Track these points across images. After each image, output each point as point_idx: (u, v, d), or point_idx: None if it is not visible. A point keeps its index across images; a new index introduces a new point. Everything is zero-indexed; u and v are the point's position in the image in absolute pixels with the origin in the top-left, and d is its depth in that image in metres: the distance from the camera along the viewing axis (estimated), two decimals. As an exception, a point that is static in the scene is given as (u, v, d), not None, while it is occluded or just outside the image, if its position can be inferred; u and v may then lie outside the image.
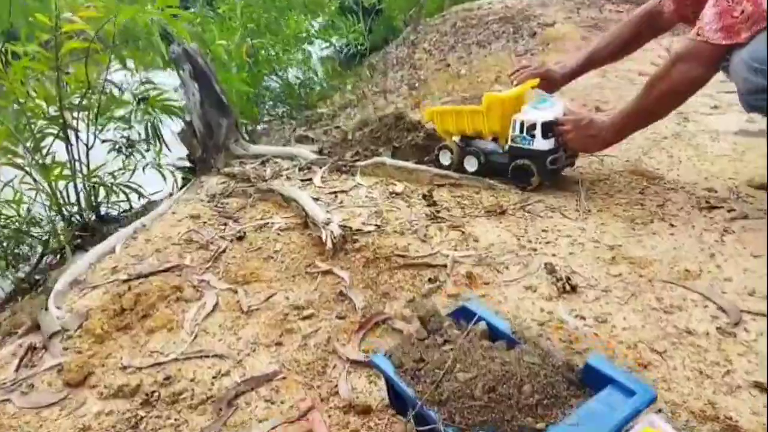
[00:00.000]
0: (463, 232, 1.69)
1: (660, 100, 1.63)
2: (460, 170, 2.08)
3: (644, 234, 1.60)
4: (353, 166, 2.23)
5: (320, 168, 2.29)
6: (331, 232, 1.67)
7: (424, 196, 1.90)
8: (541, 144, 1.83)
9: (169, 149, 2.95)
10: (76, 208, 2.89)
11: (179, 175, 2.67)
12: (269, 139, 4.69)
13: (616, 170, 2.04)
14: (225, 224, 1.97)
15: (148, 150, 2.89)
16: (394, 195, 1.98)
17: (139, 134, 2.95)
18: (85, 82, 2.81)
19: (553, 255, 1.53)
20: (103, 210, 2.91)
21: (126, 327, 1.49)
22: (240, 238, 1.83)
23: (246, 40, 4.73)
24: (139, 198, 3.14)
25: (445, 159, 2.11)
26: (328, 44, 7.31)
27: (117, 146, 3.16)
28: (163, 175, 3.06)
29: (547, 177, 1.89)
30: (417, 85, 4.98)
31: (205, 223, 2.00)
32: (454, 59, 6.16)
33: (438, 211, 1.81)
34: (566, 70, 2.09)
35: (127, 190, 3.17)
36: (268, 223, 1.92)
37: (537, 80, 1.97)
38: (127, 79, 3.68)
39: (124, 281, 1.67)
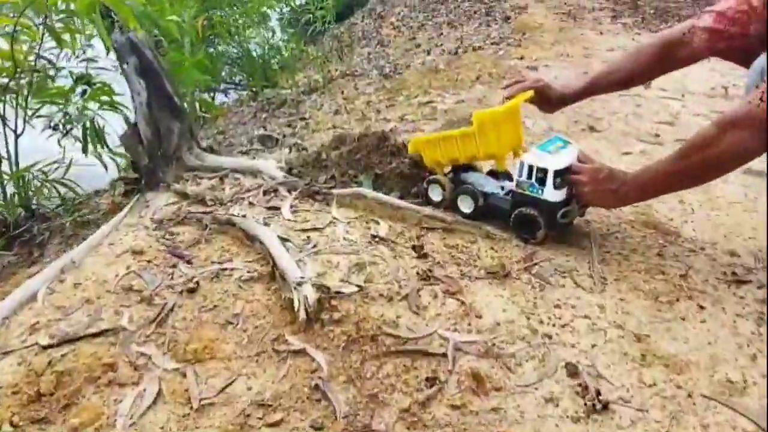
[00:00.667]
0: (462, 302, 1.43)
1: (702, 167, 1.40)
2: (451, 208, 1.81)
3: (672, 319, 1.38)
4: (328, 194, 1.92)
5: (289, 193, 1.97)
6: (305, 297, 1.38)
7: (414, 247, 1.62)
8: (551, 194, 1.58)
9: (112, 153, 2.55)
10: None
11: (119, 190, 2.29)
12: (227, 122, 4.29)
13: (626, 219, 1.81)
14: (174, 266, 1.64)
15: (85, 153, 2.49)
16: (377, 240, 1.69)
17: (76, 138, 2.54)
18: (12, 64, 2.39)
19: (573, 346, 1.29)
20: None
21: (43, 420, 1.18)
22: (192, 291, 1.52)
23: (204, 12, 4.27)
24: (73, 201, 2.75)
25: (436, 195, 1.84)
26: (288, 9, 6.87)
27: (52, 124, 2.73)
28: (104, 165, 2.66)
29: (555, 230, 1.64)
30: (388, 70, 4.66)
31: (149, 262, 1.67)
32: (424, 39, 5.85)
33: (431, 269, 1.54)
34: (566, 91, 1.82)
35: (61, 187, 2.79)
36: (227, 269, 1.61)
37: (531, 93, 1.71)
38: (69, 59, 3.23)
39: (45, 347, 1.34)
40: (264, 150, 2.67)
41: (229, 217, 1.79)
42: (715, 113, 2.87)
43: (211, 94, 4.85)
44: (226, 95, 5.61)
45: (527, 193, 1.62)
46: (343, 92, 4.16)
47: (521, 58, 3.97)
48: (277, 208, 1.89)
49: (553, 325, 1.35)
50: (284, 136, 3.08)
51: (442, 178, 1.82)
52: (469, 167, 1.92)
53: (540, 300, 1.44)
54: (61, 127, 2.74)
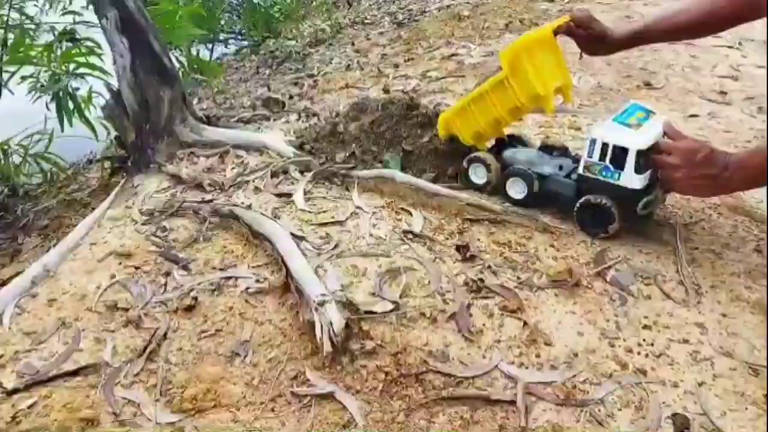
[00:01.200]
0: (525, 323, 1.14)
1: None
2: (496, 193, 1.50)
3: (794, 342, 1.09)
4: (348, 176, 1.61)
5: (302, 175, 1.66)
6: (330, 323, 1.10)
7: (458, 248, 1.32)
8: (631, 180, 1.26)
9: (95, 134, 2.23)
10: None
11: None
12: (227, 79, 3.94)
13: (710, 203, 1.50)
14: (167, 274, 1.36)
15: (61, 128, 2.17)
16: (411, 236, 1.40)
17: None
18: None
19: (675, 386, 1.01)
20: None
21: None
22: (189, 308, 1.24)
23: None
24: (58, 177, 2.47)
25: (478, 176, 1.53)
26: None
27: (39, 84, 2.39)
28: (94, 131, 2.35)
29: (632, 222, 1.34)
30: (402, 17, 4.24)
31: (137, 268, 1.38)
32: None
33: (481, 277, 1.25)
34: (613, 33, 1.45)
35: (44, 162, 2.49)
36: (231, 277, 1.33)
37: (567, 18, 1.39)
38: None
39: (10, 393, 1.08)
40: (269, 116, 2.34)
41: (231, 208, 1.49)
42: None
43: (209, 46, 4.45)
44: (226, 46, 5.19)
45: (599, 177, 1.30)
46: (353, 43, 3.77)
47: (552, 1, 3.54)
48: (289, 195, 1.58)
49: (646, 355, 1.07)
50: (290, 97, 2.74)
51: (486, 156, 1.51)
52: (517, 140, 1.61)
53: (623, 318, 1.15)
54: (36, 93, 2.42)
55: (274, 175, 1.68)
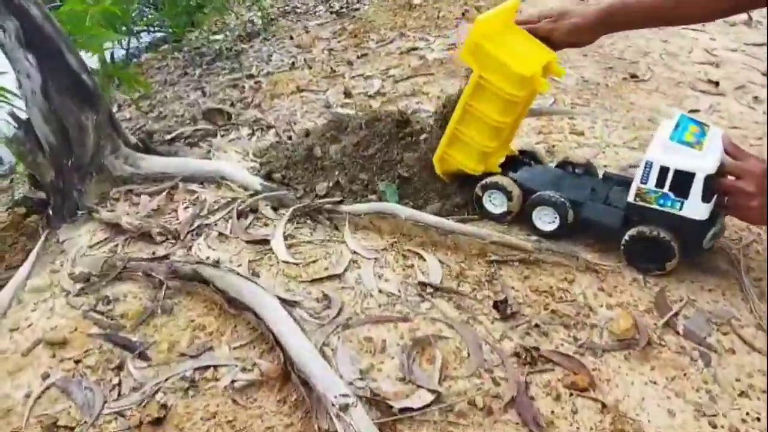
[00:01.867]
0: (603, 405, 0.91)
1: None
2: (513, 221, 1.27)
3: None
4: (335, 212, 1.32)
5: (275, 213, 1.35)
6: (363, 438, 0.82)
7: (495, 305, 1.07)
8: (698, 210, 1.05)
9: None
10: None
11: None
12: (150, 82, 3.48)
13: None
14: (120, 367, 1.03)
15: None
16: (430, 289, 1.13)
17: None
18: None
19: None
20: None
21: None
22: (158, 421, 0.93)
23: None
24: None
25: (496, 205, 1.28)
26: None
27: None
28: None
29: (690, 256, 1.13)
30: (339, 6, 3.92)
31: (78, 363, 1.05)
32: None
33: (535, 345, 1.00)
34: (589, 21, 1.17)
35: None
36: (208, 366, 1.02)
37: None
38: None
39: None
40: (214, 131, 2.00)
41: (194, 267, 1.17)
42: (749, 46, 2.41)
43: (124, 45, 3.94)
44: (138, 41, 4.66)
45: (654, 206, 1.09)
46: (292, 37, 3.42)
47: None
48: (265, 242, 1.27)
49: (759, 438, 0.87)
50: (232, 104, 2.39)
51: (504, 181, 1.26)
52: (529, 156, 1.37)
53: (713, 384, 0.94)
54: None
55: (240, 215, 1.36)
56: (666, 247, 1.09)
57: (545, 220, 1.23)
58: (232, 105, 2.40)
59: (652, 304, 1.09)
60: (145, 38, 4.67)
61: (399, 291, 1.13)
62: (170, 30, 4.32)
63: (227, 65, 3.27)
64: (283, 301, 1.09)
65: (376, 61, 2.55)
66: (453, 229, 1.22)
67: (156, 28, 4.68)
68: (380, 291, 1.13)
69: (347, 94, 2.15)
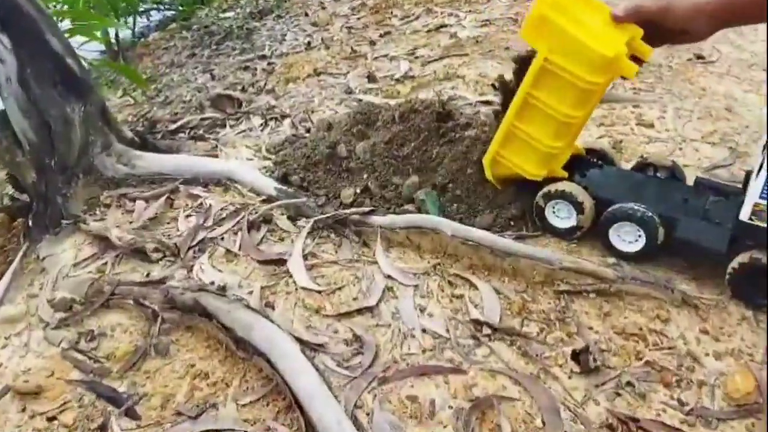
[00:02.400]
0: (729, 504, 0.68)
1: None
2: (583, 238, 1.04)
3: None
4: (363, 224, 1.09)
5: (293, 225, 1.13)
6: None
7: (574, 355, 0.84)
8: (836, 233, 0.82)
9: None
10: None
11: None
12: (156, 63, 3.26)
13: None
14: (101, 429, 0.82)
15: None
16: (485, 329, 0.91)
17: None
18: None
19: None
20: None
21: None
22: None
23: None
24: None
25: (561, 218, 1.05)
26: None
27: None
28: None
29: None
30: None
31: (52, 421, 0.84)
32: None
33: (632, 415, 0.77)
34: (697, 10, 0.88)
35: None
36: (210, 432, 0.81)
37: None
38: None
39: None
40: (224, 120, 1.77)
41: (196, 296, 0.96)
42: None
43: (127, 21, 3.69)
44: (148, 19, 4.42)
45: None
46: (307, 14, 3.17)
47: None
48: (281, 262, 1.05)
49: None
50: (243, 89, 2.17)
51: (573, 189, 1.02)
52: (597, 155, 1.13)
53: None
54: None
55: (252, 227, 1.14)
56: (790, 281, 0.86)
57: (626, 238, 0.99)
58: (243, 90, 2.17)
59: (773, 352, 0.86)
60: (156, 17, 4.44)
61: (447, 331, 0.91)
62: (179, 8, 4.09)
63: (238, 45, 3.03)
64: (303, 343, 0.87)
65: (401, 40, 2.30)
66: (511, 249, 0.98)
67: (165, 7, 4.43)
68: (424, 331, 0.91)
69: (371, 77, 1.91)
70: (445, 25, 2.33)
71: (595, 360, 0.83)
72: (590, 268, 0.95)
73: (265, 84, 2.16)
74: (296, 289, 1.00)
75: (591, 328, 0.90)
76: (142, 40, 3.87)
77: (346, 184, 1.16)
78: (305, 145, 1.28)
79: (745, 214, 0.87)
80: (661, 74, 1.72)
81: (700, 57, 1.83)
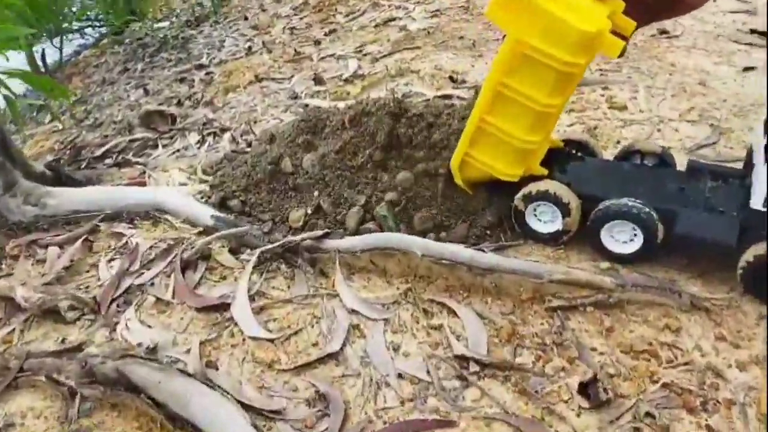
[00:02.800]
0: None
1: None
2: (571, 242, 0.90)
3: None
4: (318, 251, 0.94)
5: (236, 259, 0.96)
6: None
7: (582, 389, 0.70)
8: None
9: None
10: None
11: None
12: (87, 83, 3.02)
13: None
14: None
15: None
16: (472, 366, 0.76)
17: None
18: None
19: None
20: None
21: None
22: None
23: None
24: None
25: (545, 221, 0.91)
26: None
27: None
28: None
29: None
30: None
31: None
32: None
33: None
34: None
35: None
36: None
37: None
38: None
39: None
40: (154, 140, 1.59)
41: (118, 366, 0.78)
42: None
43: (57, 43, 3.45)
44: (83, 37, 4.15)
45: None
46: (246, 17, 2.99)
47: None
48: (223, 307, 0.88)
49: None
50: (179, 102, 1.98)
51: (555, 187, 0.89)
52: (578, 147, 1.00)
53: None
54: None
55: (187, 266, 0.96)
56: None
57: (620, 239, 0.86)
58: (179, 103, 1.99)
59: (806, 361, 0.74)
60: (91, 34, 4.18)
61: (428, 373, 0.76)
62: (108, 21, 3.84)
63: (173, 56, 2.82)
64: (254, 411, 0.71)
65: (347, 38, 2.15)
66: (492, 265, 0.84)
67: (99, 24, 4.16)
68: (400, 376, 0.76)
69: (317, 80, 1.75)
70: (394, 19, 2.19)
71: (605, 390, 0.69)
72: (584, 278, 0.82)
73: (203, 95, 1.98)
74: (243, 339, 0.83)
75: (594, 349, 0.77)
76: (73, 59, 3.63)
77: (295, 204, 1.00)
78: (245, 162, 1.11)
79: (758, 203, 0.75)
80: (630, 53, 1.61)
81: (663, 32, 1.73)
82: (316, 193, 1.00)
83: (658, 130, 1.23)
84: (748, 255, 0.78)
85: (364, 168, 0.99)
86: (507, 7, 0.77)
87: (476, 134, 0.88)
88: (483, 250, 0.88)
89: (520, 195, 0.91)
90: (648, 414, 0.68)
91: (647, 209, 0.83)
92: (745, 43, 1.63)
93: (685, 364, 0.74)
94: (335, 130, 1.03)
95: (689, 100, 1.34)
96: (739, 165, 0.94)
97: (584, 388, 0.70)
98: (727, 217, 0.81)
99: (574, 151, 0.99)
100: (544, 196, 0.89)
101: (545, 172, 0.91)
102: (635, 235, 0.85)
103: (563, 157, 0.96)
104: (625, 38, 0.79)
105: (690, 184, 0.88)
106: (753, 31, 1.69)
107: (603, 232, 0.87)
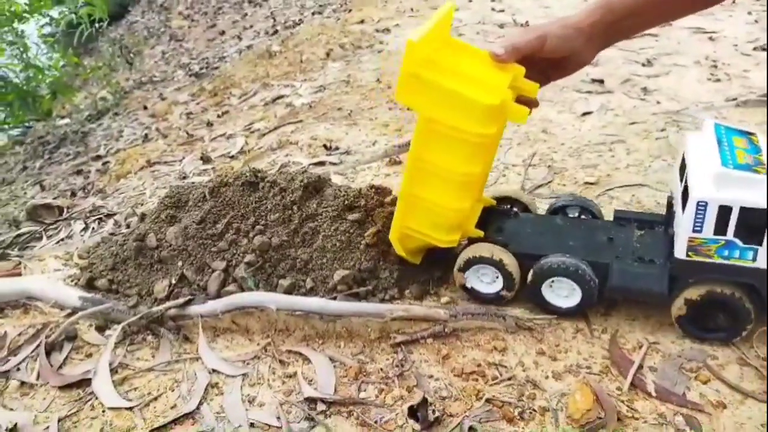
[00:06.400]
0: None
1: None
2: (516, 298, 0.96)
3: None
4: (182, 318, 0.98)
5: (102, 335, 0.99)
6: None
7: (411, 412, 0.77)
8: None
9: None
10: None
11: None
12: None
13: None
14: None
15: None
16: (319, 405, 0.81)
17: None
18: None
19: None
20: None
21: None
22: None
23: None
24: None
25: (487, 282, 0.96)
26: (47, 20, 5.31)
27: None
28: None
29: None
30: (198, 68, 3.60)
31: None
32: (227, 24, 4.85)
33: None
34: (575, 30, 0.89)
35: None
36: None
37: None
38: None
39: None
40: (39, 233, 1.60)
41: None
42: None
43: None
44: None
45: (714, 260, 0.82)
46: (145, 107, 3.07)
47: (362, 22, 3.16)
48: (86, 383, 0.90)
49: None
50: (73, 194, 2.00)
51: (493, 250, 0.93)
52: (511, 203, 1.08)
53: (717, 464, 0.69)
54: None
55: (52, 348, 0.98)
56: (738, 310, 0.83)
57: (562, 293, 0.92)
58: (73, 195, 2.00)
59: (608, 360, 0.84)
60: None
61: (278, 419, 0.80)
62: (6, 124, 3.83)
63: (72, 150, 2.85)
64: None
65: (239, 118, 2.25)
66: (340, 311, 0.91)
67: (9, 126, 4.12)
68: (252, 425, 0.80)
69: (204, 159, 1.83)
70: (282, 96, 2.33)
71: (434, 411, 0.76)
72: (422, 312, 0.90)
73: (95, 183, 2.01)
74: (103, 411, 0.85)
75: (431, 377, 0.84)
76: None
77: (160, 276, 1.05)
78: (116, 243, 1.15)
79: (681, 251, 0.83)
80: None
81: (597, 81, 1.91)
82: (179, 263, 1.05)
83: (503, 176, 1.37)
84: (680, 301, 0.85)
85: (224, 235, 1.06)
86: (413, 89, 0.82)
87: (408, 207, 0.93)
88: (333, 299, 0.95)
89: (459, 263, 0.95)
90: (471, 428, 0.75)
91: (582, 265, 0.89)
92: (586, 91, 1.85)
93: (509, 379, 0.82)
94: (197, 203, 1.10)
95: (532, 146, 1.50)
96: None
97: (414, 412, 0.76)
98: (657, 267, 0.88)
99: (508, 207, 1.07)
100: (482, 261, 0.93)
101: (481, 234, 0.97)
102: (574, 289, 0.90)
103: (497, 216, 1.02)
104: (531, 101, 0.87)
105: (618, 234, 0.95)
106: (594, 80, 1.91)
107: (544, 289, 0.92)
